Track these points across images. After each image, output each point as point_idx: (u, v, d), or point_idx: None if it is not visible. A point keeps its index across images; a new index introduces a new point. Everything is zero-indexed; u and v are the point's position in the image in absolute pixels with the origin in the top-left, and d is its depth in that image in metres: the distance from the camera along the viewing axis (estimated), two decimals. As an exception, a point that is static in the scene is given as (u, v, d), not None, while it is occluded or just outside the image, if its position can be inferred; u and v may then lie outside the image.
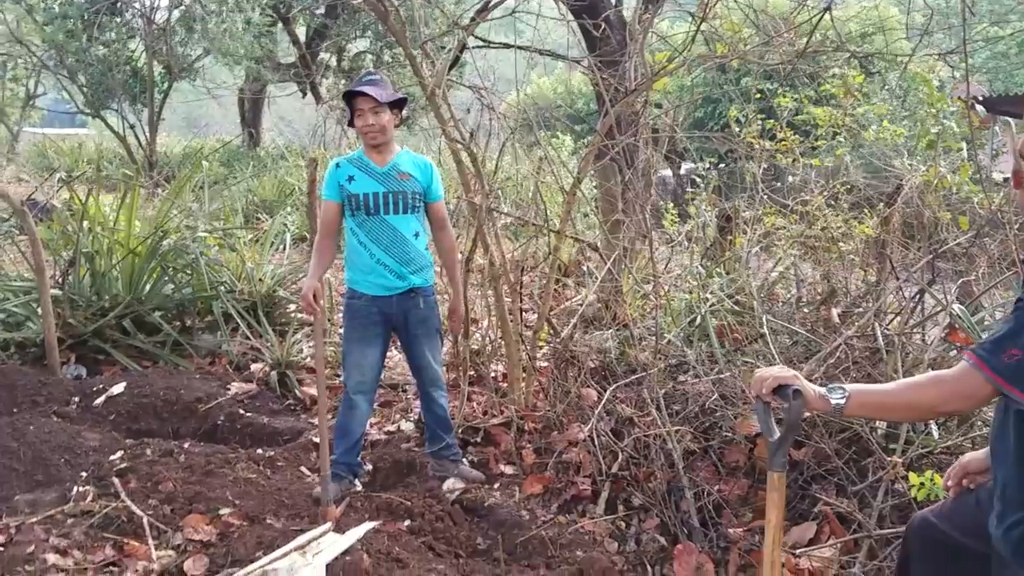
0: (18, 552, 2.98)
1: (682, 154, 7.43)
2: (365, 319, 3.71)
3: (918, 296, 3.88)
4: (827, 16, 3.64)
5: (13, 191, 6.49)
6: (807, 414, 3.41)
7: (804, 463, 3.32)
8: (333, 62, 17.42)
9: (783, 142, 5.16)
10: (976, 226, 4.10)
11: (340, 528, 3.23)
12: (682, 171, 10.07)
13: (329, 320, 5.76)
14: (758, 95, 5.07)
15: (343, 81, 16.87)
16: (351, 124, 3.68)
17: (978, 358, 1.74)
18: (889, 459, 3.03)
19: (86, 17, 14.54)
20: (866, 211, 5.07)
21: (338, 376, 5.12)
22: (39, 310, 5.16)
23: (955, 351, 3.46)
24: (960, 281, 3.92)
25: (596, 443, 3.67)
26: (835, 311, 4.04)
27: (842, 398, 1.87)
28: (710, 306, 4.41)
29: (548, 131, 6.13)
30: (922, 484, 2.67)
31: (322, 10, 16.95)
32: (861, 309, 4.05)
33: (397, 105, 3.65)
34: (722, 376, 3.73)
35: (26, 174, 12.88)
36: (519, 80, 4.96)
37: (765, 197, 5.11)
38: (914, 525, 2.20)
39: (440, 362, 3.96)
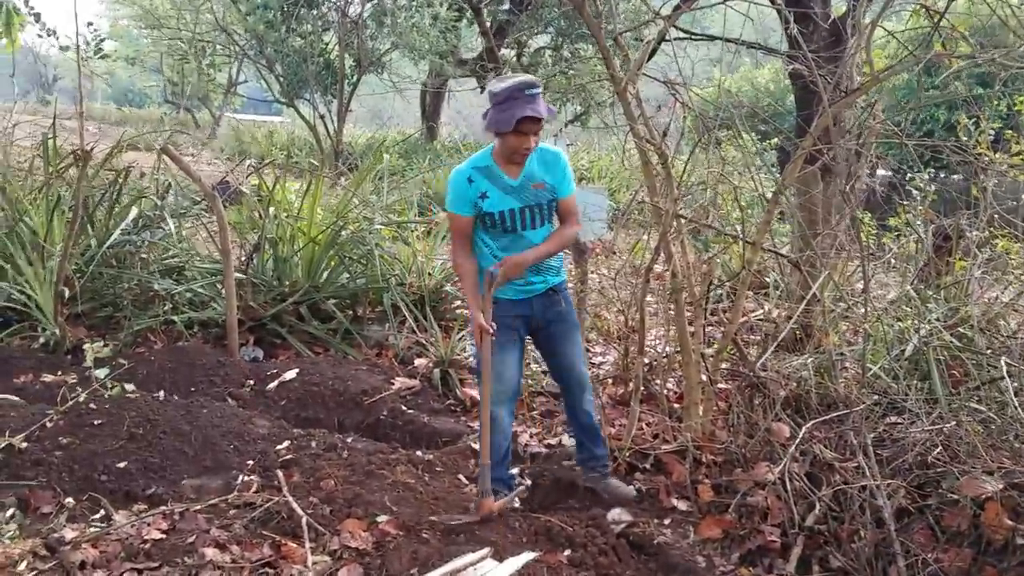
0: (179, 542, 2.97)
1: (874, 162, 6.71)
2: (502, 323, 3.44)
3: None
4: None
5: (206, 175, 6.78)
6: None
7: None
8: (513, 58, 17.46)
9: (1020, 154, 4.46)
10: None
11: (499, 552, 3.01)
12: (876, 180, 9.24)
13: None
14: (997, 103, 4.40)
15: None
16: (498, 133, 3.21)
17: None
18: None
19: (285, 9, 15.29)
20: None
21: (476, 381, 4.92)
22: (223, 291, 5.31)
23: None
24: None
25: (788, 488, 3.23)
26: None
27: None
28: (926, 337, 3.85)
29: (730, 132, 5.67)
30: None
31: (506, 5, 17.02)
32: None
33: None
34: (944, 423, 3.19)
35: (220, 159, 13.71)
36: (699, 74, 4.56)
37: (995, 216, 4.44)
38: None
39: (584, 363, 3.68)
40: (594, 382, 5.15)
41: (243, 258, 5.88)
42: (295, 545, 3.02)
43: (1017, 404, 3.10)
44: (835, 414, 3.51)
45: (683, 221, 4.27)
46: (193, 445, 3.74)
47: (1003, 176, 4.68)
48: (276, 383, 4.77)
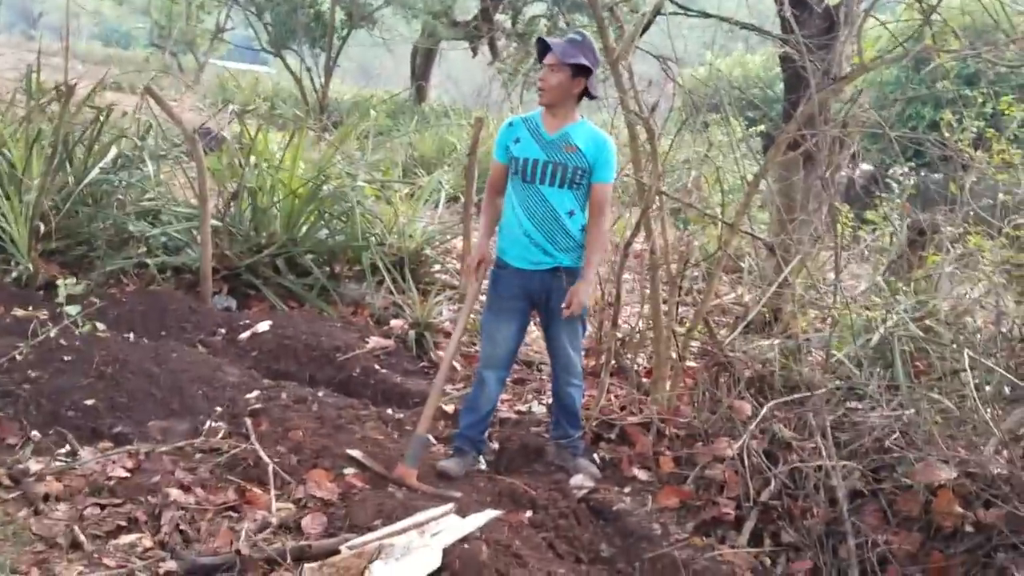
0: (143, 481, 2.99)
1: (856, 155, 6.78)
2: (506, 291, 3.54)
3: None
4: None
5: (188, 119, 6.69)
6: (997, 470, 2.97)
7: (993, 527, 2.85)
8: (508, 24, 17.29)
9: (1002, 154, 4.52)
10: None
11: (463, 509, 3.06)
12: (857, 173, 9.32)
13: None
14: (982, 102, 4.45)
15: (514, 45, 16.73)
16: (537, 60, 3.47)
17: None
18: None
19: (277, -42, 15.03)
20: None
21: (475, 345, 4.97)
22: (199, 238, 5.28)
23: None
24: None
25: (746, 463, 3.31)
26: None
27: None
28: (892, 327, 3.92)
29: (718, 115, 5.70)
30: None
31: (502, -31, 16.82)
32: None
33: (582, 72, 3.35)
34: (904, 411, 3.27)
35: (203, 105, 13.51)
36: (692, 56, 4.56)
37: (971, 213, 4.51)
38: None
39: (578, 349, 3.69)
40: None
41: (221, 206, 5.83)
42: (260, 491, 3.04)
43: (976, 396, 3.18)
44: (797, 396, 3.59)
45: (665, 199, 4.31)
46: (161, 388, 3.74)
47: (982, 175, 4.75)
48: (248, 334, 4.76)
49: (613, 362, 4.38)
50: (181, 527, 2.75)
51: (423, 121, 14.61)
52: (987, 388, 3.48)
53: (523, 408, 4.46)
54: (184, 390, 3.78)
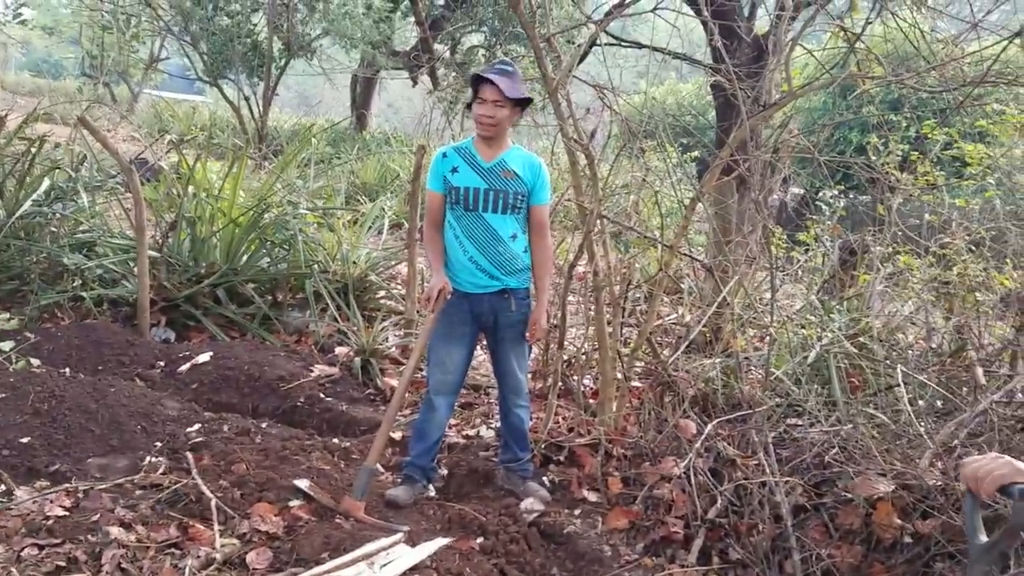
0: (82, 519, 2.90)
1: (788, 179, 7.00)
2: (453, 316, 3.53)
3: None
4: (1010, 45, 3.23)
5: (124, 149, 6.57)
6: (932, 481, 3.07)
7: (930, 537, 2.94)
8: (447, 54, 17.41)
9: (926, 176, 4.72)
10: None
11: (412, 538, 3.04)
12: (788, 196, 9.59)
13: (418, 312, 5.61)
14: (906, 124, 4.64)
15: (453, 74, 16.84)
16: (470, 107, 3.48)
17: None
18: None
19: (213, -14, 14.89)
20: (1010, 261, 4.59)
21: (422, 371, 4.95)
22: (135, 269, 5.16)
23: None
24: None
25: (692, 482, 3.36)
26: (979, 369, 3.61)
27: None
28: (827, 345, 4.04)
29: (654, 142, 5.84)
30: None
31: (442, 0, 16.95)
32: (1008, 372, 3.62)
33: (521, 104, 3.44)
34: (841, 426, 3.36)
35: (139, 134, 13.25)
36: (627, 85, 4.68)
37: (899, 233, 4.69)
38: None
39: (525, 371, 3.72)
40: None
41: (158, 236, 5.72)
42: (203, 527, 2.97)
43: (910, 411, 3.29)
44: (739, 414, 3.67)
45: (606, 222, 4.38)
46: (99, 423, 3.63)
47: (909, 196, 4.94)
48: (188, 365, 4.66)
49: (560, 384, 4.41)
50: (123, 566, 2.67)
51: (364, 149, 14.58)
52: (920, 402, 3.60)
53: (471, 433, 4.45)
54: (123, 425, 3.68)
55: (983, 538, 1.64)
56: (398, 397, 3.49)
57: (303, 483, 3.31)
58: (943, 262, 4.42)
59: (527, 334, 3.59)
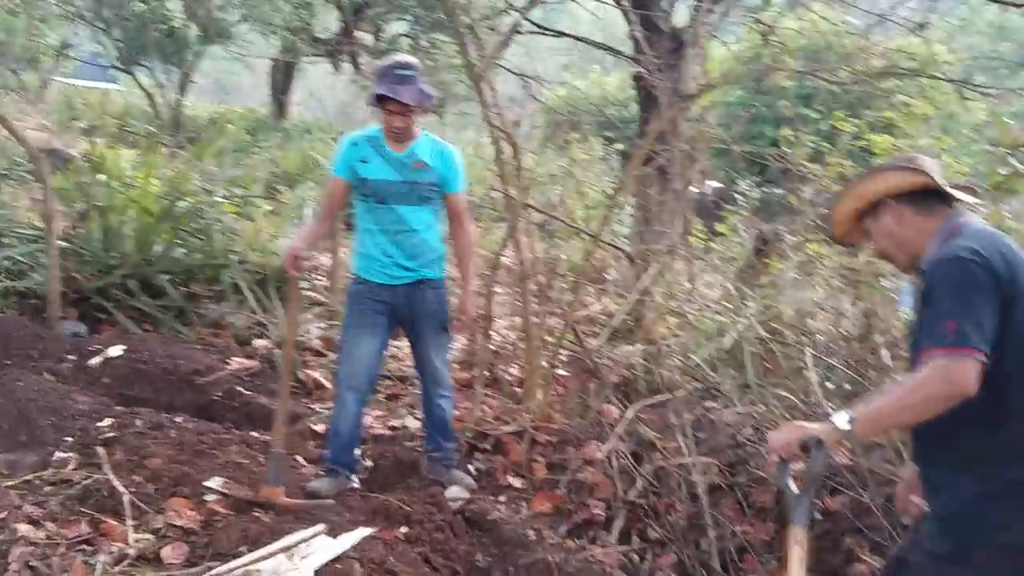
0: (-12, 518, 2.77)
1: (706, 171, 7.20)
2: (365, 306, 3.46)
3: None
4: (909, 39, 3.37)
5: (34, 138, 6.29)
6: (841, 460, 3.20)
7: (840, 514, 3.07)
8: (369, 40, 17.19)
9: (837, 167, 4.88)
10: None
11: (335, 529, 3.00)
12: (707, 188, 9.85)
13: (341, 304, 5.53)
14: (818, 117, 4.81)
15: (377, 61, 16.62)
16: (375, 104, 3.36)
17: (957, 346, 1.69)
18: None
19: (127, -29, 14.39)
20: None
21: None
22: (44, 260, 4.96)
23: None
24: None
25: (614, 465, 3.43)
26: (886, 352, 3.77)
27: (849, 421, 1.78)
28: (742, 331, 4.17)
29: (579, 134, 5.92)
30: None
31: (365, -13, 16.72)
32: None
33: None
34: (755, 408, 3.48)
35: (49, 122, 12.71)
36: (551, 77, 4.73)
37: (810, 223, 4.85)
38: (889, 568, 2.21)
39: (445, 361, 3.68)
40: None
41: (68, 226, 5.50)
42: (116, 523, 2.88)
43: (819, 392, 3.43)
44: (659, 398, 3.76)
45: (531, 212, 4.42)
46: (7, 418, 3.48)
47: (820, 186, 5.11)
48: (100, 359, 4.50)
49: (487, 373, 4.43)
50: (31, 563, 2.57)
51: (285, 137, 14.30)
52: (828, 384, 3.75)
53: (397, 424, 4.43)
54: (31, 420, 3.54)
55: (796, 490, 1.92)
56: (285, 377, 3.41)
57: (214, 483, 3.21)
58: (851, 250, 4.59)
59: (455, 323, 3.55)
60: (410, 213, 3.37)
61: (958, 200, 1.99)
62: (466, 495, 3.57)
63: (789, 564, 1.88)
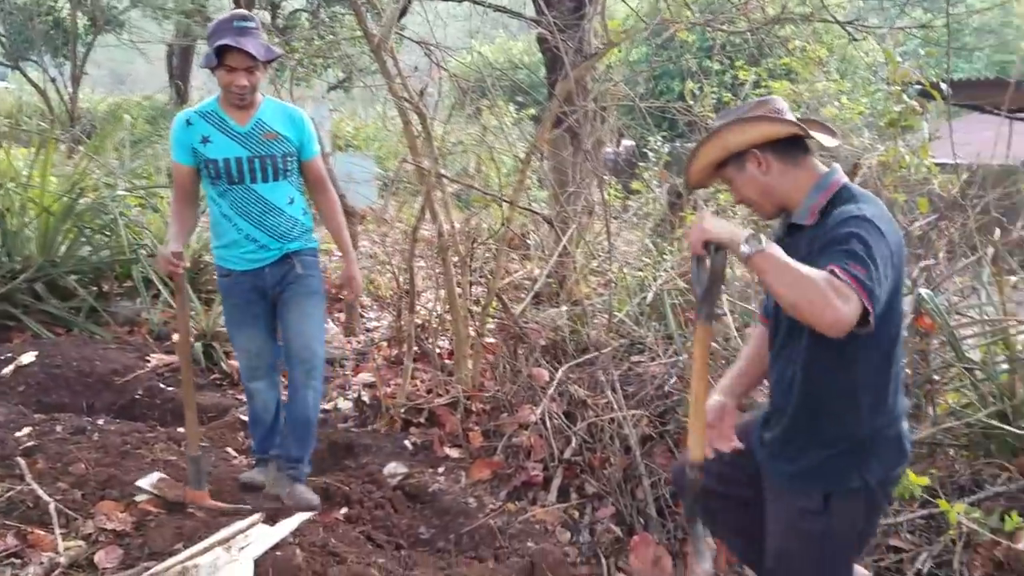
0: (-97, 542, 2.65)
1: (622, 131, 7.27)
2: (239, 297, 3.15)
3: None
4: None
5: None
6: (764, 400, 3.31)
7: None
8: (267, 19, 16.69)
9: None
10: (937, 208, 4.00)
11: (272, 518, 2.97)
12: (620, 148, 9.94)
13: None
14: (720, 69, 4.89)
15: (277, 40, 16.18)
16: (211, 69, 2.97)
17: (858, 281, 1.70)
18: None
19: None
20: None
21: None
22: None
23: (918, 337, 3.35)
24: (921, 264, 3.81)
25: (548, 426, 3.48)
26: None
27: (751, 250, 1.75)
28: (662, 284, 4.26)
29: (488, 100, 5.90)
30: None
31: (258, -36, 16.18)
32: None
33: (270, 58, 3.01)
34: (679, 358, 3.57)
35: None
36: (456, 45, 4.69)
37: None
38: (676, 475, 2.39)
39: (321, 342, 3.25)
40: (369, 346, 5.22)
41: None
42: (44, 532, 2.79)
43: (737, 336, 3.53)
44: (587, 357, 3.81)
45: (446, 181, 4.39)
46: (-85, 439, 3.32)
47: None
48: (11, 368, 4.33)
49: (415, 348, 4.42)
50: (-44, 585, 2.47)
51: (188, 125, 13.81)
52: (748, 330, 3.87)
53: (328, 406, 4.39)
54: (-57, 438, 3.38)
55: (700, 290, 1.95)
56: (186, 377, 3.12)
57: (146, 482, 3.13)
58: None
59: (346, 293, 3.31)
60: (269, 190, 3.05)
61: (818, 143, 2.05)
62: (404, 470, 3.59)
63: (695, 360, 2.00)
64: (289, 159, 3.08)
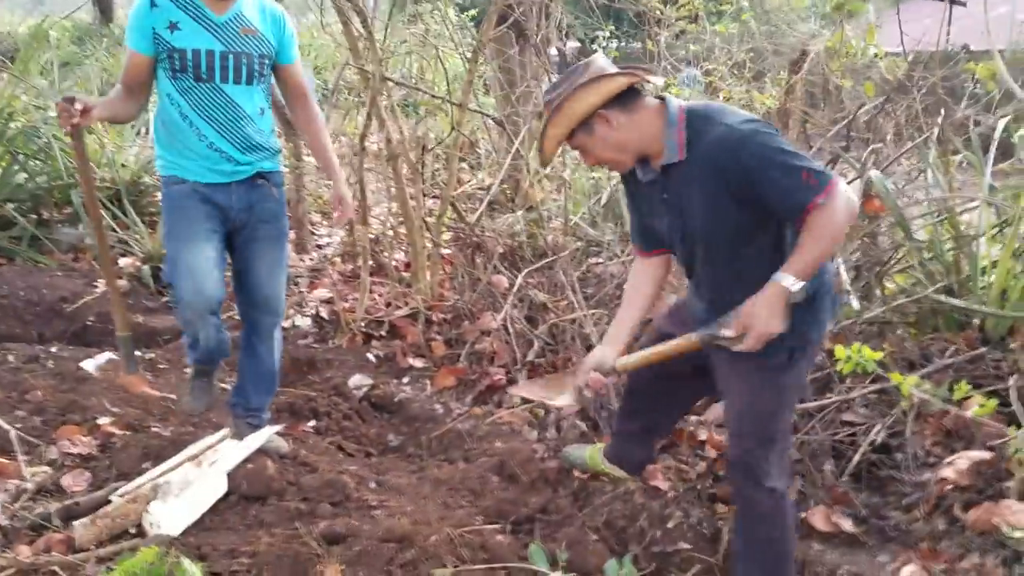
0: None
1: (566, 29, 7.12)
2: (194, 209, 2.63)
3: (832, 164, 3.79)
4: None
5: None
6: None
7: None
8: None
9: (687, 6, 4.92)
10: (883, 92, 4.02)
11: (240, 434, 2.96)
12: (566, 47, 9.77)
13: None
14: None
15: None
16: None
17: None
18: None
19: None
20: (768, 80, 4.94)
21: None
22: None
23: (867, 220, 3.41)
24: (870, 148, 3.85)
25: (510, 331, 3.50)
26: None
27: (799, 286, 1.90)
28: (616, 184, 4.24)
29: (429, 2, 5.71)
30: (848, 357, 2.60)
31: None
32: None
33: None
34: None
35: None
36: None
37: (669, 67, 4.90)
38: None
39: (283, 282, 2.88)
40: (323, 262, 5.15)
41: None
42: (7, 460, 2.75)
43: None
44: (546, 261, 3.82)
45: (393, 88, 4.26)
46: None
47: (676, 31, 5.14)
48: (-46, 301, 4.19)
49: (371, 262, 4.37)
50: (-82, 518, 2.43)
51: (114, 43, 13.15)
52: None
53: (287, 325, 4.34)
54: None
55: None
56: (105, 259, 2.94)
57: (91, 363, 3.01)
58: (708, 89, 4.70)
59: (335, 216, 2.95)
60: (240, 94, 2.63)
61: (652, 83, 2.10)
62: (369, 381, 3.58)
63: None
64: (265, 62, 2.68)
